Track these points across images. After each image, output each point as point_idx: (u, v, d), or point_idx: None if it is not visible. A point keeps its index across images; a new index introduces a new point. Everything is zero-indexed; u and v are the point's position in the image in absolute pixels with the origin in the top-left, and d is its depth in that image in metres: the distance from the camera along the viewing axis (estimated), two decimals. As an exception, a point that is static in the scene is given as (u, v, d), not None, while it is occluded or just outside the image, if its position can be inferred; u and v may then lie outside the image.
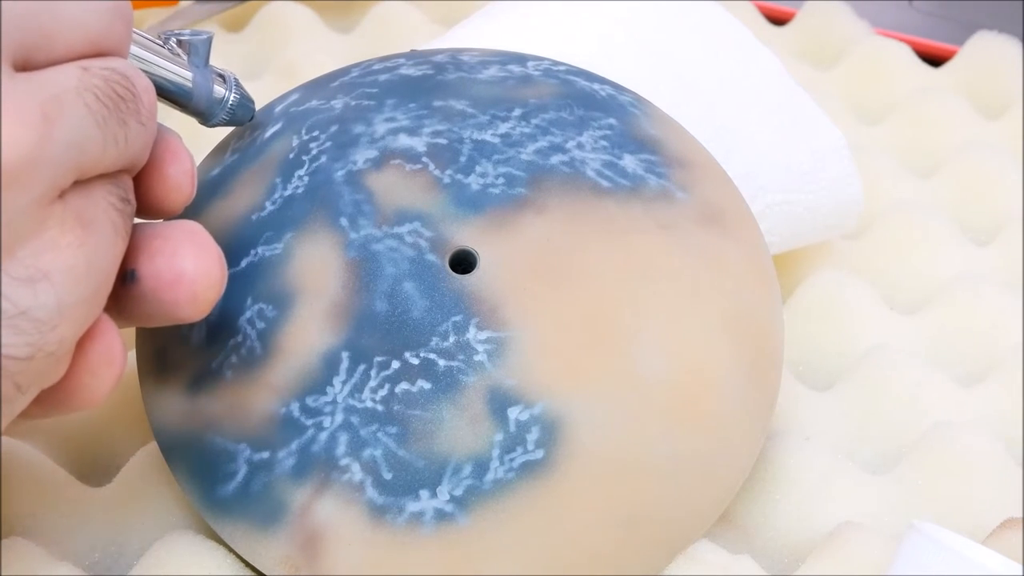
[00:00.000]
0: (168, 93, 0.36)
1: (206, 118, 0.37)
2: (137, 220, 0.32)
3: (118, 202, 0.30)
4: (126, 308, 0.32)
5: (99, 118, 0.29)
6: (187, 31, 0.36)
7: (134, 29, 0.33)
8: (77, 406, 0.31)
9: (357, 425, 0.34)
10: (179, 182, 0.33)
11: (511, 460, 0.34)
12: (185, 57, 0.36)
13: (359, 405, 0.35)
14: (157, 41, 0.36)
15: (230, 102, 0.37)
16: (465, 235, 0.36)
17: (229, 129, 0.41)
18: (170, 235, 0.32)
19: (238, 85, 0.38)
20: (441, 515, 0.34)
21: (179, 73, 0.36)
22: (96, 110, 0.29)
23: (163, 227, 0.32)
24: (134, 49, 0.34)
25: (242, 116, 0.38)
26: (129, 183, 0.31)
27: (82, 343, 0.30)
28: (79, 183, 0.29)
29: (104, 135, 0.29)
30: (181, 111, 0.37)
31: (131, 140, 0.30)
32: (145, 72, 0.34)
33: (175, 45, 0.36)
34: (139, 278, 0.31)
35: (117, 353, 0.31)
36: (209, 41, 0.37)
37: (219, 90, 0.37)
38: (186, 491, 0.36)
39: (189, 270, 0.31)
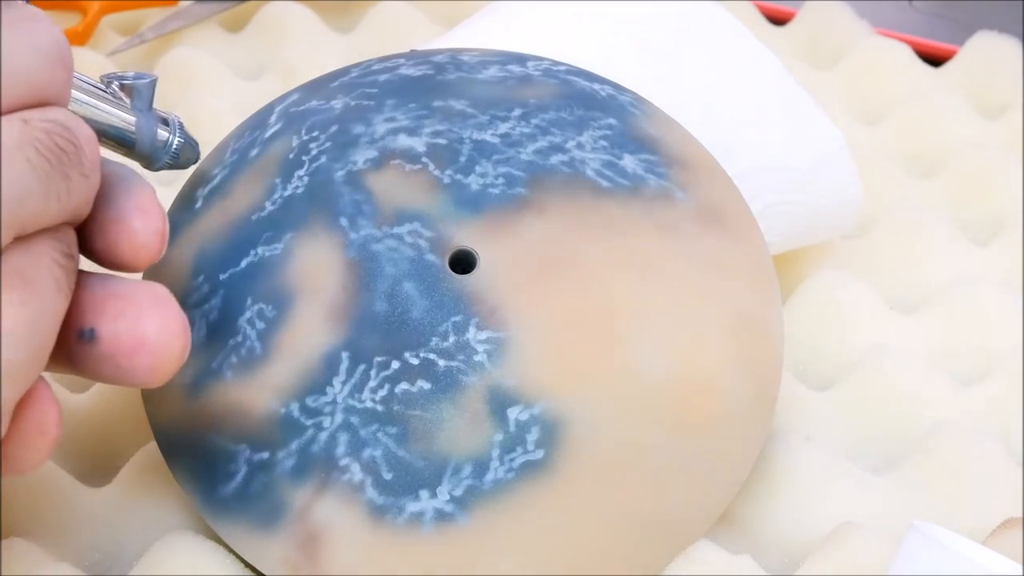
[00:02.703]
0: (111, 138, 0.35)
1: (150, 162, 0.36)
2: (100, 271, 0.31)
3: (60, 257, 0.29)
4: (78, 365, 0.31)
5: (41, 173, 0.28)
6: (130, 74, 0.36)
7: (76, 73, 0.32)
8: (4, 472, 0.30)
9: (357, 425, 0.34)
10: (147, 241, 0.31)
11: (511, 460, 0.34)
12: (128, 101, 0.35)
13: (359, 405, 0.35)
14: (99, 85, 0.35)
15: (174, 146, 0.37)
16: (465, 235, 0.36)
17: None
18: (135, 297, 0.31)
19: (182, 128, 0.37)
20: (441, 515, 0.34)
21: (122, 118, 0.35)
22: (38, 164, 0.28)
23: (128, 287, 0.31)
24: (76, 94, 0.33)
25: (187, 159, 0.37)
26: (72, 236, 0.30)
27: (15, 409, 0.29)
28: (20, 239, 0.28)
29: (46, 190, 0.28)
30: (125, 156, 0.36)
31: (73, 193, 0.29)
32: (87, 118, 0.33)
33: (118, 89, 0.35)
34: (98, 339, 0.30)
35: (51, 421, 0.30)
36: (152, 84, 0.36)
37: (163, 134, 0.36)
38: (186, 491, 0.36)
39: (152, 338, 0.30)
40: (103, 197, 0.31)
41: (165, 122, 0.37)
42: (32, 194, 0.28)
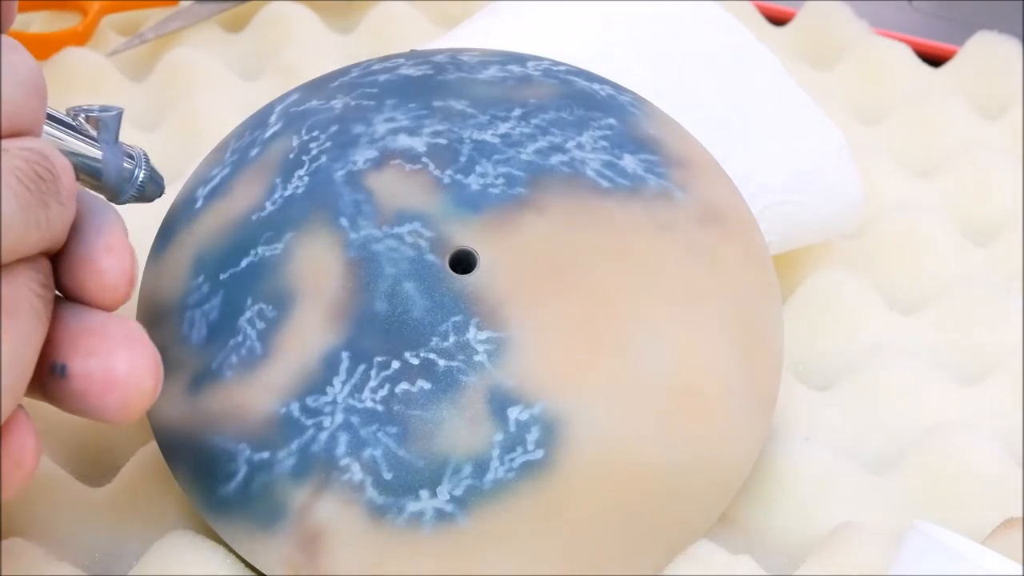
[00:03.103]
0: (78, 171, 0.34)
1: (115, 195, 0.36)
2: (72, 305, 0.31)
3: (39, 288, 0.29)
4: (51, 398, 0.30)
5: (22, 201, 0.28)
6: (96, 107, 0.35)
7: None
8: None
9: (357, 425, 0.34)
10: (113, 282, 0.31)
11: (511, 460, 0.34)
12: (95, 133, 0.35)
13: (359, 405, 0.35)
14: (66, 118, 0.35)
15: (140, 179, 0.36)
16: (465, 235, 0.36)
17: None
18: (107, 334, 0.30)
19: (147, 161, 0.37)
20: (441, 515, 0.34)
21: (88, 151, 0.35)
22: (19, 193, 0.28)
23: (101, 322, 0.30)
24: (45, 127, 0.33)
25: (151, 193, 0.37)
26: (48, 267, 0.30)
27: None
28: (1, 268, 0.28)
29: (26, 218, 0.28)
30: (90, 189, 0.35)
31: (52, 221, 0.29)
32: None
33: (84, 122, 0.35)
34: (69, 375, 0.30)
35: (29, 453, 0.29)
36: (119, 117, 0.36)
37: (128, 167, 0.36)
38: (186, 491, 0.36)
39: (122, 376, 0.30)
40: (74, 232, 0.31)
41: (130, 156, 0.36)
42: (14, 222, 0.28)
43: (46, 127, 0.33)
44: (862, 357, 0.44)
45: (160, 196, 0.38)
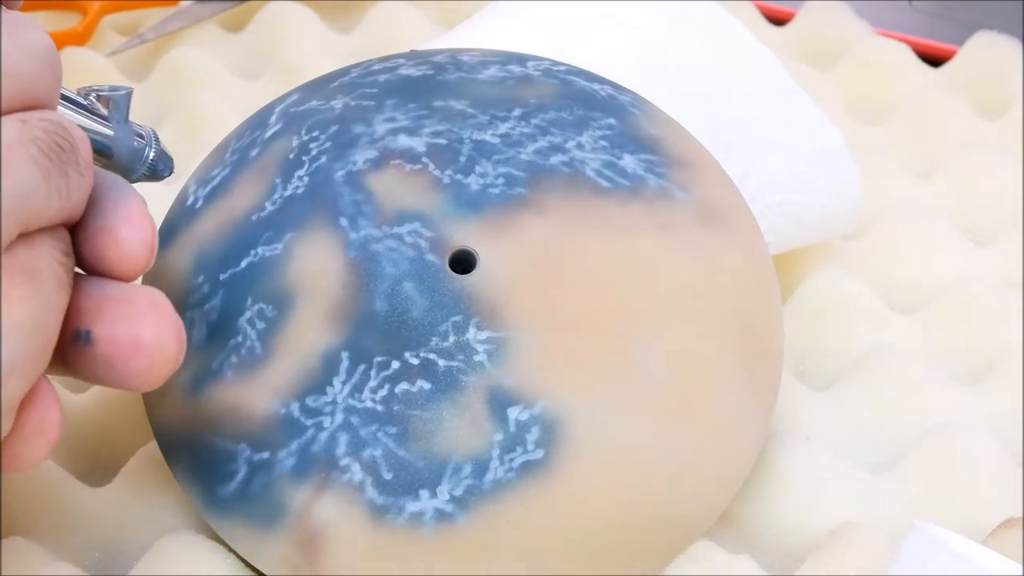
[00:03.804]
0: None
1: (126, 174, 0.36)
2: (91, 277, 0.31)
3: (61, 256, 0.30)
4: (72, 367, 0.31)
5: (43, 170, 0.29)
6: (106, 87, 0.36)
7: None
8: (3, 470, 0.30)
9: (357, 425, 0.34)
10: (135, 251, 0.31)
11: (511, 460, 0.34)
12: (105, 112, 0.35)
13: (359, 405, 0.35)
14: (78, 97, 0.35)
15: (150, 158, 0.37)
16: (465, 235, 0.36)
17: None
18: (132, 300, 0.31)
19: (157, 141, 0.37)
20: (441, 515, 0.34)
21: (100, 129, 0.35)
22: (40, 162, 0.29)
23: (125, 291, 0.31)
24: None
25: (162, 171, 0.37)
26: (68, 237, 0.31)
27: (18, 406, 0.29)
28: (24, 236, 0.29)
29: (48, 186, 0.29)
30: (101, 167, 0.36)
31: (72, 191, 0.30)
32: None
33: (95, 100, 0.35)
34: (94, 341, 0.30)
35: (54, 421, 0.30)
36: (129, 96, 0.36)
37: (139, 146, 0.36)
38: (186, 491, 0.36)
39: (147, 341, 0.30)
40: (92, 206, 0.31)
41: (140, 135, 0.37)
42: (36, 190, 0.28)
43: (58, 107, 0.34)
44: (862, 357, 0.44)
45: (171, 174, 0.38)
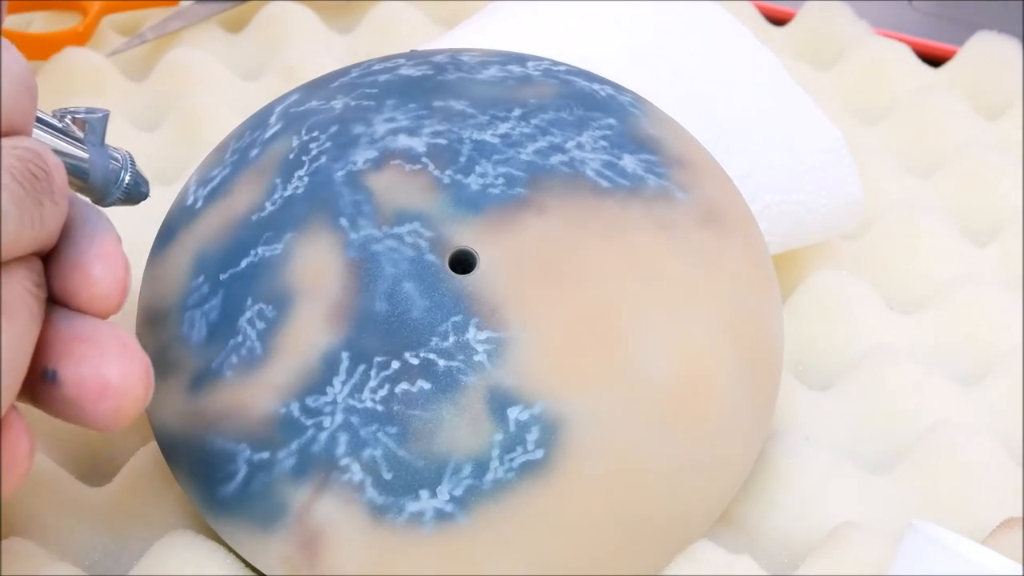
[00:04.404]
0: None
1: (102, 197, 0.36)
2: (62, 310, 0.31)
3: (33, 287, 0.29)
4: (41, 403, 0.30)
5: (17, 199, 0.28)
6: (82, 109, 0.35)
7: None
8: None
9: (357, 425, 0.34)
10: (106, 291, 0.30)
11: (511, 460, 0.34)
12: (81, 135, 0.35)
13: (359, 405, 0.35)
14: (53, 119, 0.35)
15: (125, 182, 0.36)
16: (465, 235, 0.36)
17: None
18: (98, 341, 0.30)
19: (133, 164, 0.37)
20: (441, 515, 0.34)
21: (75, 152, 0.35)
22: (14, 191, 0.28)
23: (92, 329, 0.30)
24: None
25: (137, 196, 0.37)
26: (40, 267, 0.30)
27: None
28: None
29: (21, 217, 0.28)
30: (77, 191, 0.35)
31: (46, 220, 0.29)
32: None
33: (70, 123, 0.35)
34: (61, 382, 0.30)
35: (23, 453, 0.29)
36: (105, 119, 0.36)
37: (114, 169, 0.36)
38: (186, 491, 0.36)
39: (114, 383, 0.30)
40: (67, 237, 0.31)
41: (116, 158, 0.36)
42: (10, 221, 0.28)
43: (34, 128, 0.33)
44: (862, 357, 0.44)
45: (145, 199, 0.38)
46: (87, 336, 0.30)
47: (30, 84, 0.30)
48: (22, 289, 0.29)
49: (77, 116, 0.35)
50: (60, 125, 0.35)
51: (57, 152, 0.34)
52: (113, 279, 0.30)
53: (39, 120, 0.34)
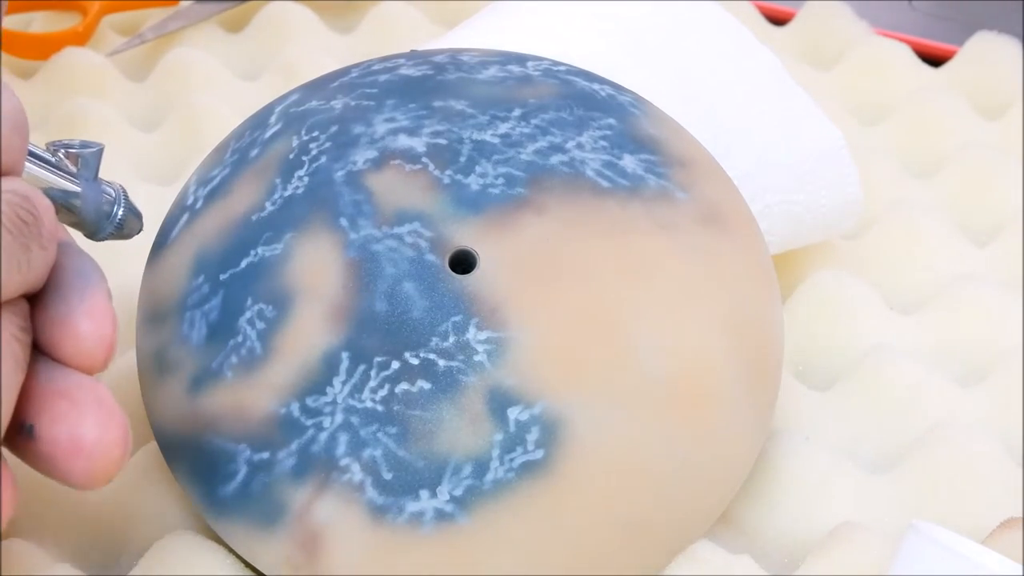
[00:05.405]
0: (57, 207, 0.34)
1: (94, 232, 0.36)
2: (45, 359, 0.30)
3: (18, 332, 0.29)
4: (19, 455, 0.30)
5: (4, 245, 0.28)
6: (76, 142, 0.35)
7: None
8: None
9: (357, 425, 0.34)
10: (91, 348, 0.30)
11: (511, 460, 0.34)
12: (74, 170, 0.35)
13: (359, 405, 0.35)
14: (46, 153, 0.34)
15: (119, 216, 0.36)
16: (465, 235, 0.36)
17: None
18: (77, 400, 0.29)
19: (126, 198, 0.37)
20: (441, 515, 0.34)
21: (68, 187, 0.35)
22: (1, 237, 0.28)
23: (73, 385, 0.30)
24: (25, 162, 0.33)
25: (130, 230, 0.37)
26: (27, 310, 0.30)
27: None
28: None
29: (9, 262, 0.28)
30: (69, 225, 0.35)
31: (33, 264, 0.29)
32: (35, 187, 0.32)
33: (63, 157, 0.35)
34: (37, 437, 0.29)
35: (7, 501, 0.29)
36: (99, 154, 0.35)
37: (108, 204, 0.36)
38: (186, 491, 0.36)
39: (89, 443, 0.29)
40: (56, 288, 0.30)
41: (109, 192, 0.36)
42: None
43: (26, 162, 0.33)
44: (862, 357, 0.44)
45: (139, 232, 0.37)
46: (67, 393, 0.30)
47: (20, 123, 0.30)
48: (8, 336, 0.28)
49: (71, 150, 0.35)
50: (53, 160, 0.35)
51: (49, 187, 0.34)
52: (100, 336, 0.30)
53: (32, 154, 0.34)
